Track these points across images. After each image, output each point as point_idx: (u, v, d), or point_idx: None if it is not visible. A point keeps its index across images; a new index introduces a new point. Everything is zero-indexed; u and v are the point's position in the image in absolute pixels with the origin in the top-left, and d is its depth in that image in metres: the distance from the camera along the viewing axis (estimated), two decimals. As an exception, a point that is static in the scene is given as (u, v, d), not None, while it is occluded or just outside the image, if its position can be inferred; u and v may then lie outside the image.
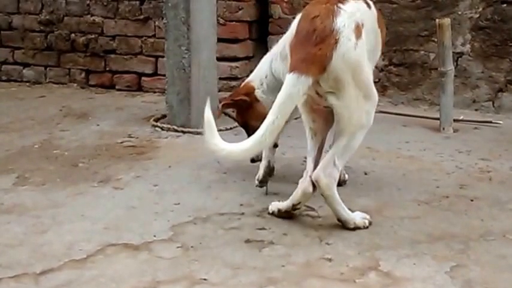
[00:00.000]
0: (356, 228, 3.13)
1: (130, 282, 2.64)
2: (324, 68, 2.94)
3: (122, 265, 2.79)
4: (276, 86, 3.47)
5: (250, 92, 3.63)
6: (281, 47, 3.50)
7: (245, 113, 3.66)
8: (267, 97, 3.58)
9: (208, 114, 2.87)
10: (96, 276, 2.69)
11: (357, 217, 3.17)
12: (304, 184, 3.16)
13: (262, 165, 3.63)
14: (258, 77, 3.66)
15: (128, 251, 2.93)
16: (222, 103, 3.71)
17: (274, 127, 2.91)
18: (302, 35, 2.99)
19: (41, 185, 3.76)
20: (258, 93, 3.62)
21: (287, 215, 3.25)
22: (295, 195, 3.19)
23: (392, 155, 4.24)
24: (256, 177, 3.63)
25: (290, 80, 2.93)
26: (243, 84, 3.77)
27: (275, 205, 3.30)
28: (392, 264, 2.79)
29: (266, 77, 3.63)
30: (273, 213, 3.29)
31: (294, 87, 2.92)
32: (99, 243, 2.98)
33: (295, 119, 3.43)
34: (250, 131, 3.49)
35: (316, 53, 2.93)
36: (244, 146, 2.92)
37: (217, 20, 5.33)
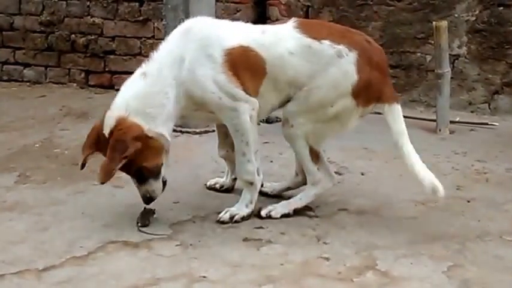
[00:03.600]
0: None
1: (131, 279, 2.68)
2: None
3: (122, 262, 2.83)
4: (185, 110, 3.21)
5: (138, 134, 3.04)
6: (207, 71, 3.15)
7: (138, 159, 3.05)
8: (160, 128, 3.11)
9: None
10: (96, 273, 2.73)
11: None
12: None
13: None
14: (140, 110, 3.09)
15: (128, 248, 2.97)
16: (105, 170, 3.02)
17: None
18: (386, 67, 3.39)
19: (42, 183, 3.80)
20: (150, 129, 3.08)
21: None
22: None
23: (389, 156, 4.24)
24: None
25: (400, 110, 3.32)
26: (112, 124, 3.05)
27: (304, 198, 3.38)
28: (389, 263, 2.83)
29: (163, 106, 3.12)
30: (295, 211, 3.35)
31: None
32: (99, 240, 3.02)
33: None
34: (152, 172, 3.15)
35: None
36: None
37: (216, 21, 5.34)
